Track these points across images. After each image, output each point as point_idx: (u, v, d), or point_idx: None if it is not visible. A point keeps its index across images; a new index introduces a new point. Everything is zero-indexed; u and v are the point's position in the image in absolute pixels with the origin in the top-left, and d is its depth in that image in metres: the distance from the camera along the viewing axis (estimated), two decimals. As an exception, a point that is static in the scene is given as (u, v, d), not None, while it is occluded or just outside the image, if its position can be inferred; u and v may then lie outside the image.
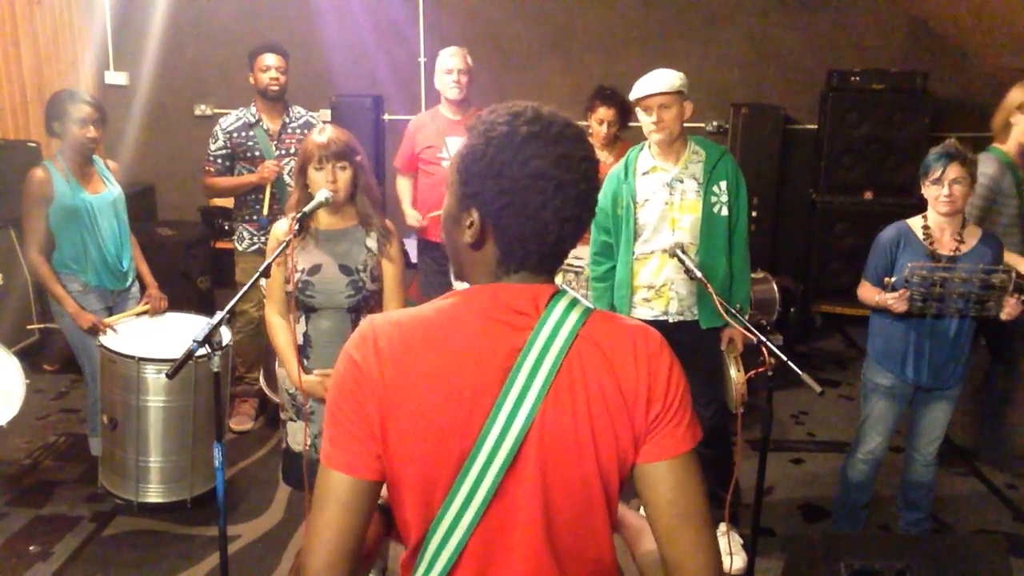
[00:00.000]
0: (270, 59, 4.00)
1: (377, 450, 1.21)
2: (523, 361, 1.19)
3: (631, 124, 4.35)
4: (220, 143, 4.03)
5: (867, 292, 3.04)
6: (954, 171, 2.82)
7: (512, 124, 1.22)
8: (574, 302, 1.25)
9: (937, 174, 2.84)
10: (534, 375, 1.19)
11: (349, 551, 1.19)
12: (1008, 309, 2.84)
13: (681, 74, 2.97)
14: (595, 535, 1.26)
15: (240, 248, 4.18)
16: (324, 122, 4.09)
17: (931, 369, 2.98)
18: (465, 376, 1.20)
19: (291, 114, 4.13)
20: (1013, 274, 2.83)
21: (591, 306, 1.26)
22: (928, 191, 2.91)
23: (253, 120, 4.05)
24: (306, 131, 4.12)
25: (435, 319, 1.24)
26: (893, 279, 2.90)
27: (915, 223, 3.00)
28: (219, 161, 4.04)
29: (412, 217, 4.29)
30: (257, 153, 4.03)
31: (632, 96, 3.02)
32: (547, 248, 1.24)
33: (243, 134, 4.03)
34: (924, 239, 2.94)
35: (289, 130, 4.10)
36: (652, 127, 2.98)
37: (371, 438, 1.21)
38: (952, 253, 2.91)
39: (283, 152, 4.07)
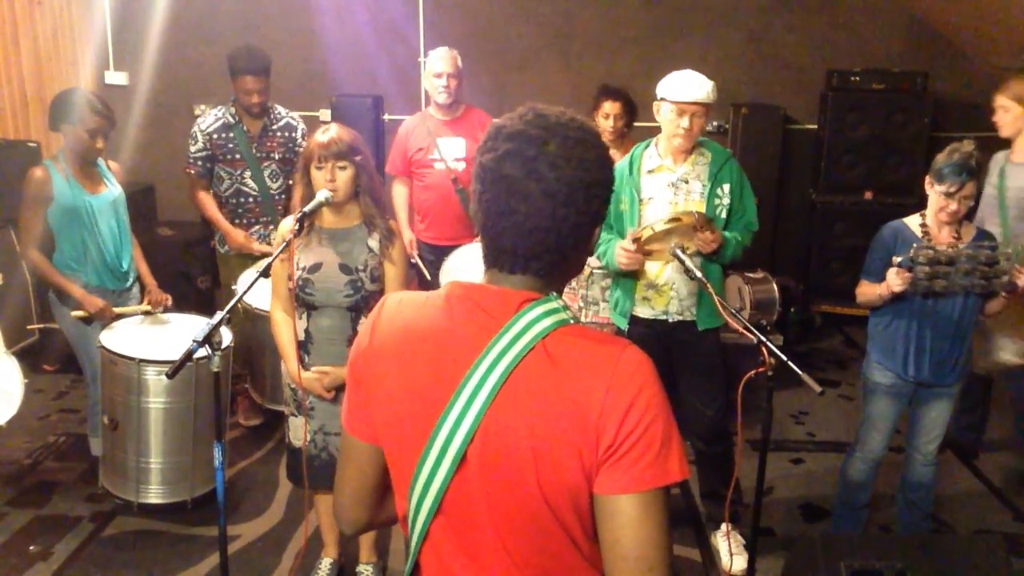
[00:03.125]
0: (251, 83, 3.92)
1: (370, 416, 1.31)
2: (478, 364, 1.18)
3: (638, 124, 4.36)
4: (200, 145, 3.99)
5: (867, 290, 3.03)
6: (970, 188, 2.81)
7: (501, 121, 1.24)
8: (549, 312, 1.20)
9: (954, 188, 2.81)
10: (484, 380, 1.17)
11: (365, 498, 1.37)
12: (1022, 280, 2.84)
13: (713, 83, 2.96)
14: (558, 558, 1.21)
15: (222, 251, 4.16)
16: (324, 122, 4.09)
17: (932, 364, 2.98)
18: (427, 368, 1.23)
19: (272, 115, 4.09)
20: (1012, 251, 2.84)
21: (570, 319, 1.22)
22: (935, 195, 2.88)
23: (233, 121, 4.00)
24: (288, 132, 4.12)
25: (422, 307, 1.28)
26: (899, 259, 2.86)
27: (912, 221, 3.01)
28: (199, 163, 4.01)
29: (407, 237, 4.20)
30: (238, 155, 3.99)
31: (668, 95, 2.96)
32: (507, 248, 1.21)
33: (223, 135, 3.99)
34: (922, 236, 2.95)
35: (270, 133, 4.06)
36: (680, 132, 2.96)
37: (365, 405, 1.30)
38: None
39: (263, 155, 4.05)
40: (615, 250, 2.99)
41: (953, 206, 2.83)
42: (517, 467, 1.17)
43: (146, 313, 3.58)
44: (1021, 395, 3.89)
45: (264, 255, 3.89)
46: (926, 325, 2.95)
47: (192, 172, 4.03)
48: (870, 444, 3.14)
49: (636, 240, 2.88)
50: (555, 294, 1.26)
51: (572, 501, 1.16)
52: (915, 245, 2.85)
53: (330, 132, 2.66)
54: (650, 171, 3.09)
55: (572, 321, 1.22)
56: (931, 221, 2.96)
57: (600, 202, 1.23)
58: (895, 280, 2.86)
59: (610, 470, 1.13)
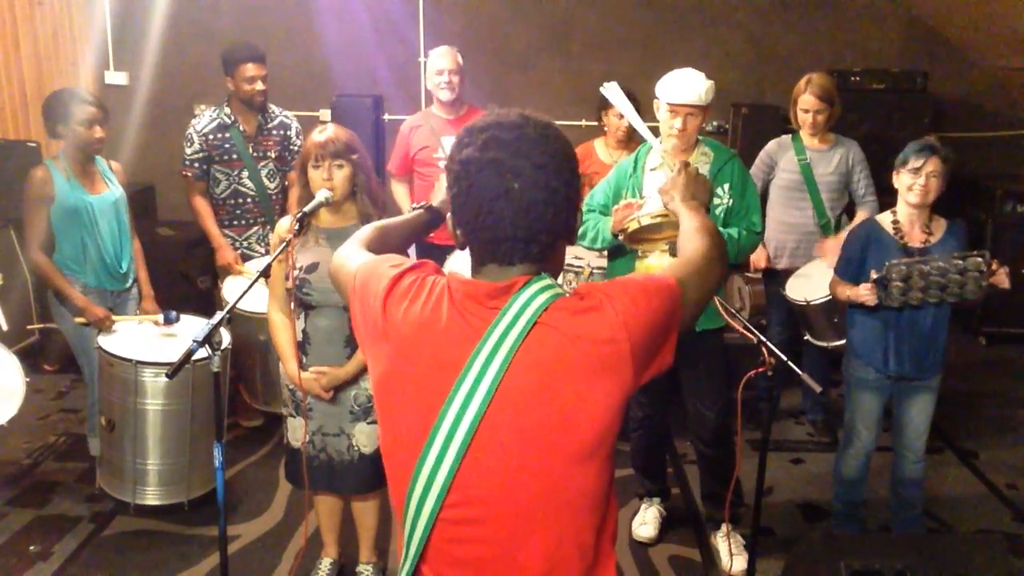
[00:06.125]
0: (255, 69, 3.90)
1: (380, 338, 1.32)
2: (480, 349, 1.20)
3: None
4: (196, 147, 3.97)
5: (839, 289, 3.08)
6: (933, 164, 2.88)
7: (472, 134, 1.26)
8: (544, 288, 1.23)
9: (918, 164, 2.89)
10: (489, 362, 1.19)
11: None
12: (1002, 281, 2.87)
13: (712, 82, 2.96)
14: (569, 531, 1.24)
15: None
16: (323, 122, 4.08)
17: (911, 358, 3.01)
18: (426, 364, 1.24)
19: (266, 114, 4.07)
20: (988, 256, 2.87)
21: (565, 292, 1.25)
22: (902, 179, 2.95)
23: (228, 121, 3.98)
24: (282, 131, 4.11)
25: (425, 297, 1.28)
26: (875, 275, 2.91)
27: (884, 219, 3.05)
28: (196, 165, 3.98)
29: None
30: (235, 156, 3.98)
31: (663, 95, 2.97)
32: (505, 235, 1.24)
33: (219, 136, 3.97)
34: (894, 233, 2.99)
35: (265, 131, 4.06)
36: (675, 132, 2.97)
37: (377, 330, 1.31)
38: (922, 245, 2.97)
39: (260, 155, 4.04)
40: (606, 223, 3.01)
41: (921, 181, 2.88)
42: (534, 443, 1.19)
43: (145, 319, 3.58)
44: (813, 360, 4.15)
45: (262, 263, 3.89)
46: (903, 322, 2.99)
47: (189, 175, 4.01)
48: (858, 439, 3.18)
49: (623, 231, 2.88)
50: (546, 274, 1.29)
51: (595, 457, 1.21)
52: (888, 263, 2.87)
53: (327, 131, 2.67)
54: (652, 169, 3.10)
55: (566, 293, 1.26)
56: (902, 217, 3.00)
57: (576, 183, 1.29)
58: (868, 297, 2.92)
59: (659, 353, 1.28)
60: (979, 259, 2.86)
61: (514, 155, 1.21)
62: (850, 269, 3.05)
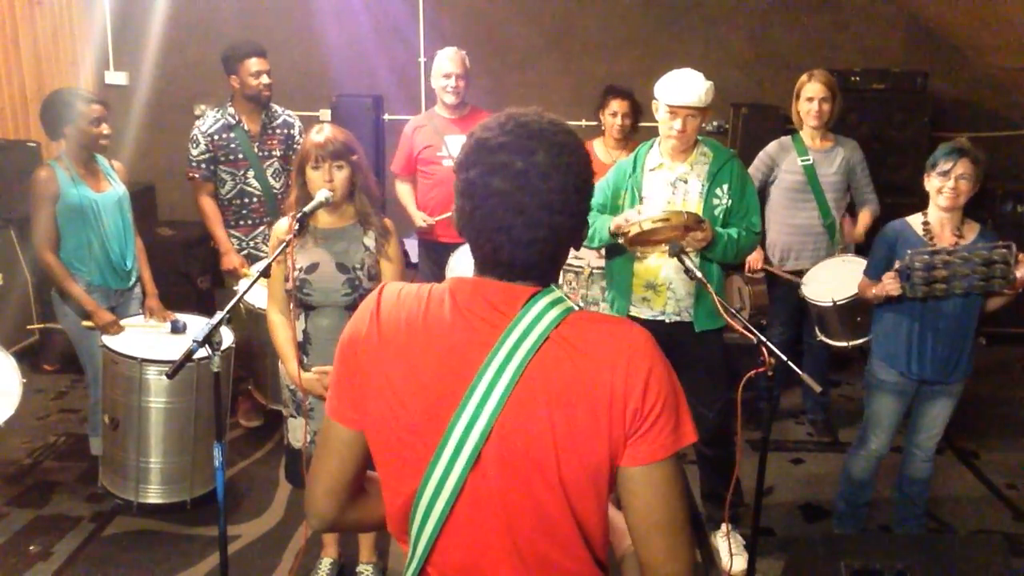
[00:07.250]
0: (260, 63, 3.89)
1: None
2: (491, 360, 1.18)
3: (641, 124, 4.36)
4: (202, 147, 3.96)
5: (869, 290, 3.06)
6: (963, 167, 2.85)
7: (481, 134, 1.23)
8: (555, 302, 1.22)
9: (947, 167, 2.86)
10: (499, 375, 1.18)
11: (341, 491, 1.34)
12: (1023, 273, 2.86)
13: (711, 83, 2.95)
14: (567, 546, 1.23)
15: None
16: (322, 122, 4.08)
17: (935, 363, 2.99)
18: (436, 364, 1.21)
19: (269, 113, 4.07)
20: (1014, 247, 2.85)
21: (575, 306, 1.24)
22: (932, 182, 2.93)
23: (232, 122, 3.97)
24: (286, 130, 4.11)
25: (426, 301, 1.26)
26: (898, 265, 2.90)
27: (915, 220, 3.03)
28: (202, 166, 3.97)
29: (419, 218, 4.27)
30: (240, 155, 3.98)
31: (662, 97, 2.97)
32: (503, 261, 1.22)
33: (223, 136, 3.96)
34: (924, 235, 2.97)
35: (269, 131, 4.06)
36: (674, 133, 2.97)
37: (358, 392, 1.29)
38: (952, 248, 2.93)
39: (265, 154, 4.04)
40: (603, 221, 3.02)
41: (950, 184, 2.86)
42: (537, 460, 1.18)
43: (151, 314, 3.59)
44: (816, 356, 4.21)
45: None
46: (928, 324, 2.96)
47: (196, 176, 4.00)
48: (874, 442, 3.15)
49: (623, 234, 2.88)
50: (554, 285, 1.28)
51: (594, 485, 1.20)
52: (909, 251, 2.86)
53: (325, 132, 2.66)
54: (651, 169, 3.10)
55: (576, 308, 1.24)
56: (933, 219, 2.97)
57: (588, 201, 1.26)
58: (891, 286, 2.90)
59: (635, 441, 1.19)
60: (1004, 249, 2.82)
61: (520, 189, 1.17)
62: (879, 271, 3.02)
